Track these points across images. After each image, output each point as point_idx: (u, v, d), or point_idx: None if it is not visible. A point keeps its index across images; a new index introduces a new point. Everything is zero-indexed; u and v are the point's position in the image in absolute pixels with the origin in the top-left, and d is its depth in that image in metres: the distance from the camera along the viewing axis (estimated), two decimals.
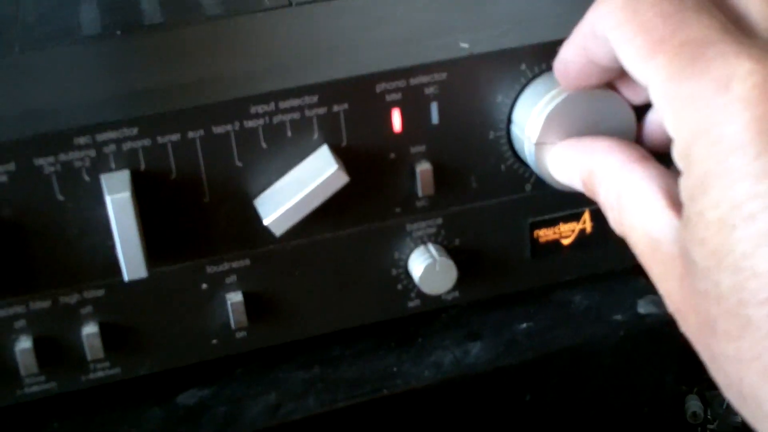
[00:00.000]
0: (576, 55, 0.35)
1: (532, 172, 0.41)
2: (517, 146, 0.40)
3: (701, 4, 0.30)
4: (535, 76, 0.39)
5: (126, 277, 0.37)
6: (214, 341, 0.41)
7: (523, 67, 0.39)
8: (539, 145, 0.38)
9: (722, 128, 0.27)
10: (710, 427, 0.61)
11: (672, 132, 0.29)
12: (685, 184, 0.29)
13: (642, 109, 0.38)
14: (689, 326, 0.30)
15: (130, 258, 0.36)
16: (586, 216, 0.44)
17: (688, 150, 0.28)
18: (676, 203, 0.30)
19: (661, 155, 0.35)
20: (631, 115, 0.39)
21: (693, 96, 0.28)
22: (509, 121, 0.40)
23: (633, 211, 0.32)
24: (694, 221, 0.28)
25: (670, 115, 0.29)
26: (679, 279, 0.29)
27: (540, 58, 0.39)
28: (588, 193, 0.36)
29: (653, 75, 0.29)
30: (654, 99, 0.30)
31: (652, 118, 0.38)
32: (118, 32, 0.45)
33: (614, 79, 0.37)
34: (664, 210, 0.31)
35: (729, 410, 0.61)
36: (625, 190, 0.33)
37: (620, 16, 0.31)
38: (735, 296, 0.27)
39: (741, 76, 0.27)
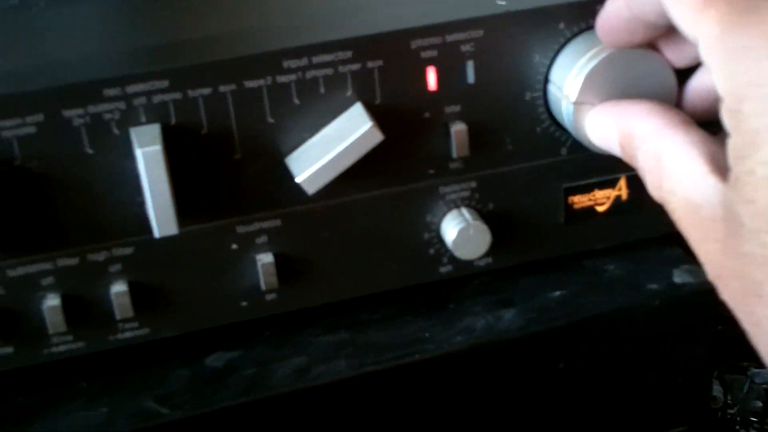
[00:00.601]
0: (621, 9, 0.34)
1: (567, 136, 0.41)
2: (553, 107, 0.40)
3: None
4: (574, 36, 0.38)
5: (156, 234, 0.36)
6: (244, 303, 0.40)
7: (562, 26, 0.38)
8: (578, 104, 0.37)
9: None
10: (730, 411, 0.60)
11: (721, 88, 0.28)
12: (734, 142, 0.28)
13: (683, 75, 0.37)
14: (731, 292, 0.29)
15: (160, 213, 0.36)
16: (622, 183, 0.43)
17: (740, 105, 0.27)
18: (719, 167, 0.30)
19: (702, 124, 0.34)
20: (672, 77, 0.38)
21: (747, 48, 0.27)
22: (546, 81, 0.39)
23: (674, 175, 0.31)
24: (744, 180, 0.27)
25: (721, 69, 0.28)
26: (723, 243, 0.29)
27: (579, 17, 0.38)
28: (625, 158, 0.35)
29: (705, 28, 0.28)
30: (704, 54, 0.29)
31: (694, 84, 0.37)
32: None
33: (657, 38, 0.36)
34: (708, 174, 0.30)
35: (749, 395, 0.60)
36: (665, 153, 0.32)
37: None
38: None
39: None
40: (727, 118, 0.28)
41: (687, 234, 0.31)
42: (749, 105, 0.27)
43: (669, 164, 0.32)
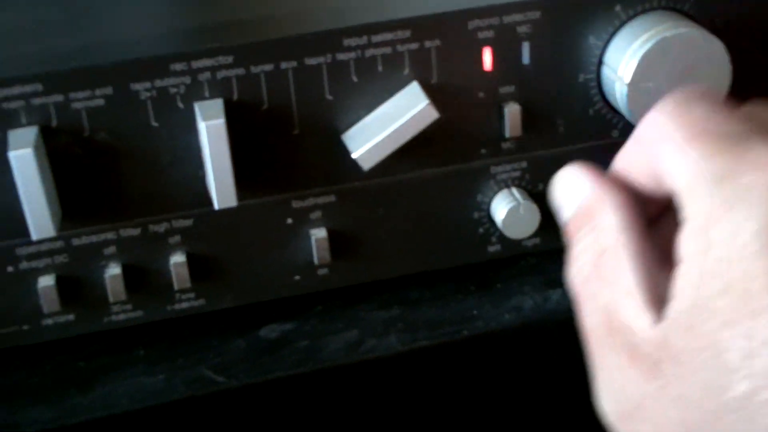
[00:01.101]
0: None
1: (620, 118, 0.41)
2: (606, 89, 0.40)
3: (740, 111, 0.30)
4: (629, 18, 0.39)
5: (216, 206, 0.37)
6: (297, 277, 0.41)
7: (618, 8, 0.39)
8: (632, 85, 0.38)
9: (748, 221, 0.26)
10: None
11: (689, 211, 0.27)
12: (689, 269, 0.27)
13: None
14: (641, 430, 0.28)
15: (221, 186, 0.36)
16: None
17: (706, 231, 0.27)
18: (658, 299, 0.28)
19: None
20: (727, 62, 0.38)
21: (722, 175, 0.27)
22: (600, 63, 0.40)
23: (607, 285, 0.29)
24: (693, 313, 0.26)
25: (696, 192, 0.27)
26: (644, 377, 0.27)
27: (635, 0, 0.39)
28: (568, 229, 0.33)
29: (687, 158, 0.28)
30: (676, 180, 0.28)
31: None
32: None
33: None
34: (647, 307, 0.28)
35: None
36: (614, 255, 0.30)
37: (670, 113, 0.29)
38: (725, 407, 0.25)
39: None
40: (689, 243, 0.27)
41: (594, 343, 0.30)
42: (715, 231, 0.26)
43: (609, 271, 0.30)
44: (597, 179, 0.32)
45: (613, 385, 0.28)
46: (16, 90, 0.35)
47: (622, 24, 0.39)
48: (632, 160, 0.31)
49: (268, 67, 0.37)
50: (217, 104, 0.36)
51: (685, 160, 0.28)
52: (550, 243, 0.44)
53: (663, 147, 0.29)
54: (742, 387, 0.25)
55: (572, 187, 0.33)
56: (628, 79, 0.38)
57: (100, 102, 0.36)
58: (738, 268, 0.25)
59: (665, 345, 0.27)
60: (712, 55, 0.38)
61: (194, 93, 0.37)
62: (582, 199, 0.32)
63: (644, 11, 0.39)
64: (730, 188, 0.27)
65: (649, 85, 0.38)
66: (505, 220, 0.41)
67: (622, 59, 0.38)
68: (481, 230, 0.42)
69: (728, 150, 0.27)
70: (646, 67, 0.38)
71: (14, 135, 0.35)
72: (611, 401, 0.29)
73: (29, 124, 0.36)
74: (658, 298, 0.28)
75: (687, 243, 0.27)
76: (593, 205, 0.32)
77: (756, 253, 0.25)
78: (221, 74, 0.36)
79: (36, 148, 0.35)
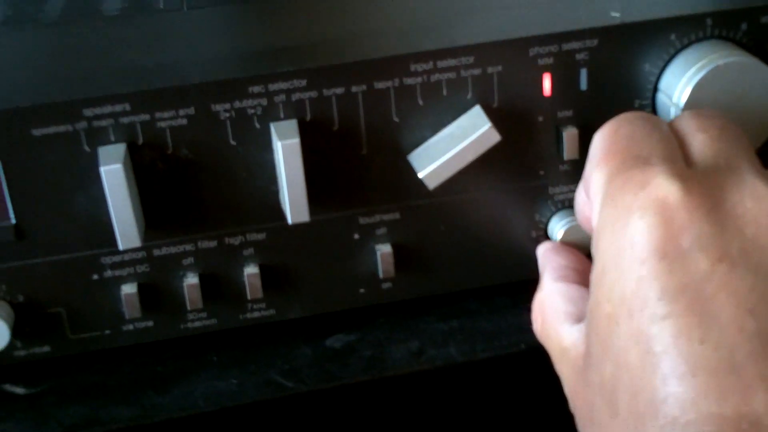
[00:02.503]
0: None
1: None
2: (661, 115, 0.41)
3: (663, 136, 0.33)
4: (684, 47, 0.41)
5: (290, 220, 0.39)
6: (362, 290, 0.43)
7: (673, 37, 0.40)
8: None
9: (626, 226, 0.30)
10: None
11: (593, 222, 0.33)
12: (591, 276, 0.32)
13: None
14: (577, 418, 0.33)
15: (294, 202, 0.39)
16: None
17: (598, 240, 0.32)
18: (581, 320, 0.35)
19: None
20: None
21: (615, 193, 0.31)
22: (655, 89, 0.41)
23: (550, 322, 0.36)
24: (593, 312, 0.31)
25: (597, 206, 0.32)
26: (579, 375, 0.33)
27: (690, 29, 0.40)
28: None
29: (598, 174, 0.33)
30: (592, 194, 0.33)
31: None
32: None
33: None
34: (574, 323, 0.35)
35: None
36: (547, 301, 0.38)
37: (601, 134, 0.34)
38: (611, 385, 0.29)
39: (654, 185, 0.30)
40: (592, 252, 0.32)
41: (560, 374, 0.35)
42: (603, 242, 0.31)
43: (549, 314, 0.37)
44: (542, 252, 0.42)
45: (568, 389, 0.34)
46: (106, 109, 0.38)
47: (677, 52, 0.41)
48: (585, 177, 0.36)
49: (340, 90, 0.39)
50: (292, 125, 0.39)
51: (597, 180, 0.33)
52: None
53: (590, 166, 0.34)
54: (625, 378, 0.29)
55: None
56: (682, 105, 0.39)
57: (183, 121, 0.39)
58: (615, 277, 0.30)
59: (583, 341, 0.33)
60: (764, 83, 0.40)
61: (270, 114, 0.39)
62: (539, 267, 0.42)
63: (698, 40, 0.41)
64: (612, 210, 0.31)
65: None
66: (562, 239, 0.43)
67: (677, 86, 0.40)
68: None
69: (626, 171, 0.32)
70: (699, 93, 0.39)
71: (104, 151, 0.38)
72: (569, 400, 0.34)
73: (117, 141, 0.38)
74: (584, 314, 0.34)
75: (592, 253, 0.33)
76: (540, 271, 0.41)
77: (628, 263, 0.30)
78: (295, 96, 0.39)
79: (124, 164, 0.37)
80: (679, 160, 0.32)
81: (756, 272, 0.28)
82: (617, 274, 0.30)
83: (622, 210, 0.30)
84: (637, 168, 0.31)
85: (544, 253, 0.42)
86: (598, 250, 0.31)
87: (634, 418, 0.28)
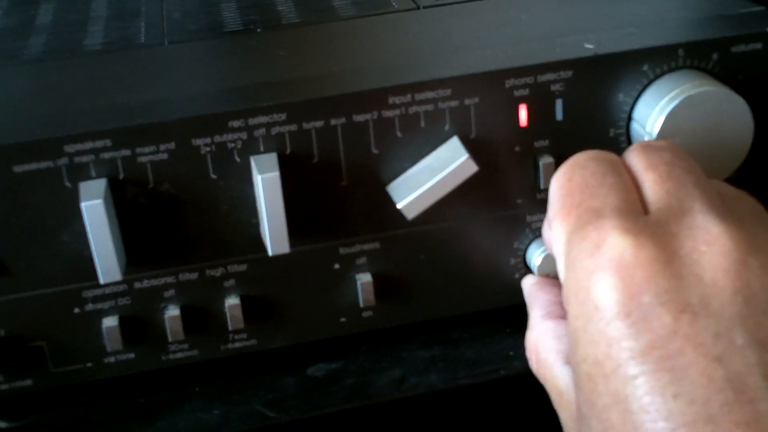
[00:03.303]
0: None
1: None
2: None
3: (616, 180, 0.34)
4: (657, 77, 0.41)
5: (270, 252, 0.39)
6: (343, 319, 0.44)
7: (646, 67, 0.41)
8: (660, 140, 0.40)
9: (588, 291, 0.30)
10: None
11: (562, 284, 0.33)
12: (568, 335, 0.32)
13: None
14: None
15: (275, 233, 0.39)
16: None
17: (567, 305, 0.32)
18: None
19: None
20: (749, 119, 0.41)
21: (575, 255, 0.32)
22: (629, 119, 0.42)
23: (544, 363, 0.37)
24: (575, 370, 0.32)
25: (562, 268, 0.33)
26: (574, 421, 0.33)
27: (662, 59, 0.41)
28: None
29: (558, 232, 0.33)
30: (556, 252, 0.34)
31: None
32: (259, 29, 0.48)
33: None
34: (566, 366, 0.35)
35: None
36: (539, 342, 0.37)
37: (556, 180, 0.35)
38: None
39: (608, 244, 0.30)
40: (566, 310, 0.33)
41: (558, 410, 0.35)
42: (571, 307, 0.32)
43: (542, 354, 0.37)
44: (529, 286, 0.42)
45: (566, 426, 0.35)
46: (87, 145, 0.38)
47: (650, 82, 0.41)
48: (547, 217, 0.37)
49: (319, 123, 0.40)
50: (272, 158, 0.39)
51: (556, 231, 0.34)
52: None
53: (550, 210, 0.35)
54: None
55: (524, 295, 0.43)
56: (656, 134, 0.40)
57: (164, 156, 0.39)
58: (586, 340, 0.30)
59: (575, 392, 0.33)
60: (735, 112, 0.40)
61: (250, 147, 0.39)
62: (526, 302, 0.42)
63: (671, 70, 0.41)
64: (575, 273, 0.31)
65: (676, 140, 0.40)
66: (540, 266, 0.43)
67: (650, 115, 0.41)
68: (517, 275, 0.44)
69: (581, 230, 0.32)
70: (672, 123, 0.40)
71: (85, 187, 0.38)
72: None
73: (99, 176, 0.39)
74: None
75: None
76: (528, 307, 0.40)
77: (594, 328, 0.30)
78: (275, 130, 0.39)
79: (105, 199, 0.38)
80: (633, 204, 0.32)
81: (718, 318, 0.29)
82: (588, 338, 0.30)
83: (582, 274, 0.31)
84: (591, 225, 0.32)
85: (529, 289, 0.42)
86: (569, 316, 0.31)
87: None
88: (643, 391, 0.28)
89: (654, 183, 0.33)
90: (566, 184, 0.34)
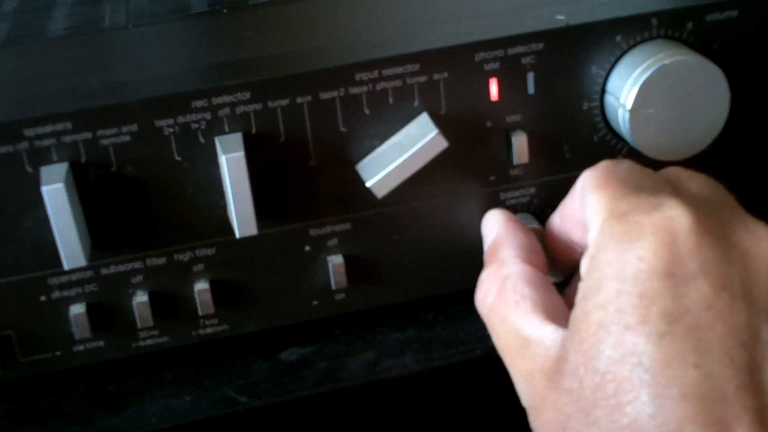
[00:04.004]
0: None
1: (623, 144, 0.42)
2: (610, 116, 0.41)
3: (656, 175, 0.35)
4: (630, 48, 0.40)
5: (238, 234, 0.39)
6: (315, 302, 0.43)
7: (619, 38, 0.40)
8: (634, 111, 0.39)
9: (635, 241, 0.31)
10: None
11: (591, 239, 0.33)
12: (583, 285, 0.32)
13: None
14: (541, 422, 0.32)
15: (242, 216, 0.38)
16: None
17: (598, 251, 0.32)
18: (556, 316, 0.34)
19: None
20: (726, 88, 0.40)
21: (624, 210, 0.32)
22: (603, 91, 0.41)
23: (512, 306, 0.35)
24: (580, 318, 0.31)
25: (597, 221, 0.33)
26: (547, 377, 0.32)
27: (635, 30, 0.40)
28: (485, 258, 0.40)
29: (599, 195, 0.33)
30: (589, 212, 0.34)
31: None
32: (225, 10, 0.47)
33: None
34: (545, 322, 0.34)
35: None
36: (509, 282, 0.36)
37: (598, 169, 0.35)
38: (592, 395, 0.30)
39: (667, 206, 0.31)
40: (585, 264, 0.33)
41: (509, 359, 0.35)
42: (604, 255, 0.31)
43: (510, 296, 0.35)
44: (505, 222, 0.40)
45: (525, 385, 0.34)
46: (48, 128, 0.37)
47: (623, 53, 0.41)
48: (567, 211, 0.38)
49: (285, 101, 0.39)
50: (237, 138, 0.38)
51: (598, 200, 0.33)
52: None
53: (587, 193, 0.35)
54: (609, 389, 0.29)
55: (488, 228, 0.41)
56: (629, 105, 0.39)
57: (126, 138, 0.38)
58: (614, 288, 0.30)
59: (562, 346, 0.32)
60: (711, 81, 0.40)
61: (215, 128, 0.38)
62: (492, 237, 0.40)
63: (644, 40, 0.41)
64: (621, 225, 0.32)
65: (650, 111, 0.40)
66: None
67: (624, 87, 0.40)
68: None
69: (633, 196, 0.33)
70: (646, 94, 0.39)
71: (46, 171, 0.37)
72: (525, 397, 0.34)
73: (60, 160, 0.38)
74: (556, 313, 0.34)
75: (583, 266, 0.33)
76: (498, 242, 0.39)
77: (632, 277, 0.30)
78: (240, 109, 0.38)
79: (67, 183, 0.37)
80: (682, 195, 0.33)
81: (751, 307, 0.29)
82: (619, 286, 0.30)
83: (633, 226, 0.31)
84: (646, 193, 0.32)
85: (504, 226, 0.40)
86: (598, 261, 0.31)
87: (622, 429, 0.28)
88: (665, 352, 0.28)
89: (699, 186, 0.35)
90: (610, 168, 0.35)
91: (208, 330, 0.42)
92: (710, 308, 0.29)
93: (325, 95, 0.39)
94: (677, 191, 0.34)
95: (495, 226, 0.40)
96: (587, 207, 0.34)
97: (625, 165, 0.35)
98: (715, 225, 0.32)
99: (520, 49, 0.40)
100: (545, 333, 0.33)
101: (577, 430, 0.30)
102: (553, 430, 0.31)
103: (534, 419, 0.33)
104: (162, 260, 0.41)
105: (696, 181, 0.35)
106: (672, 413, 0.28)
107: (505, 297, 0.35)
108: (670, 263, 0.30)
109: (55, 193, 0.37)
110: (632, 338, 0.29)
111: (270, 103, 0.39)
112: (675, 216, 0.31)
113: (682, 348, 0.28)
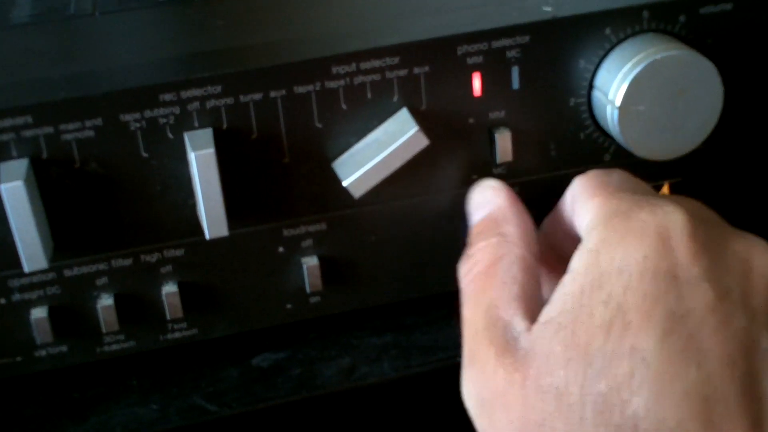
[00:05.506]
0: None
1: (611, 142, 0.41)
2: (597, 113, 0.40)
3: (651, 189, 0.36)
4: (619, 41, 0.39)
5: (207, 235, 0.37)
6: (289, 305, 0.41)
7: (608, 31, 0.39)
8: (624, 108, 0.38)
9: (639, 240, 0.31)
10: None
11: (588, 234, 0.32)
12: (576, 280, 0.31)
13: None
14: (501, 421, 0.31)
15: (211, 215, 0.37)
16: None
17: (600, 249, 0.31)
18: (533, 313, 0.33)
19: None
20: (718, 83, 0.38)
21: (627, 211, 0.32)
22: (591, 86, 0.40)
23: (498, 282, 0.34)
24: (570, 315, 0.30)
25: (599, 219, 0.32)
26: (509, 371, 0.31)
27: (625, 22, 0.39)
28: (476, 230, 0.38)
29: (599, 199, 0.33)
30: (590, 212, 0.33)
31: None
32: None
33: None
34: (524, 311, 0.33)
35: None
36: (511, 264, 0.35)
37: (589, 176, 0.35)
38: (580, 393, 0.29)
39: (671, 210, 0.31)
40: (581, 259, 0.32)
41: (469, 331, 0.34)
42: (608, 249, 0.31)
43: (502, 273, 0.34)
44: (511, 196, 0.38)
45: (480, 374, 0.32)
46: (7, 122, 0.35)
47: (612, 47, 0.39)
48: (556, 224, 0.37)
49: (257, 96, 0.37)
50: (207, 134, 0.37)
51: (592, 204, 0.33)
52: None
53: (580, 200, 0.34)
54: (601, 386, 0.29)
55: (488, 197, 0.39)
56: (619, 102, 0.38)
57: (90, 133, 0.36)
58: (618, 284, 0.30)
59: (536, 342, 0.31)
60: (704, 76, 0.38)
61: (184, 123, 0.37)
62: (494, 207, 0.38)
63: (634, 34, 0.39)
64: (625, 222, 0.31)
65: (641, 108, 0.38)
66: None
67: (613, 83, 0.38)
68: None
69: (629, 199, 0.33)
70: (637, 90, 0.38)
71: (5, 167, 0.36)
72: (476, 387, 0.32)
73: (20, 156, 0.36)
74: (536, 308, 0.33)
75: (576, 260, 0.32)
76: (502, 215, 0.37)
77: (638, 275, 0.30)
78: (210, 104, 0.37)
79: (27, 181, 0.35)
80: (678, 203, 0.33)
81: (751, 316, 0.30)
82: (621, 284, 0.30)
83: (637, 224, 0.31)
84: (648, 196, 0.32)
85: (509, 197, 0.38)
86: (599, 256, 0.31)
87: (607, 427, 0.28)
88: (670, 351, 0.28)
89: (691, 204, 0.34)
90: (606, 174, 0.35)
91: (177, 334, 0.40)
92: (713, 312, 0.29)
93: (300, 89, 0.37)
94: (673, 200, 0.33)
95: (497, 197, 0.38)
96: (581, 213, 0.34)
97: (616, 173, 0.35)
98: (714, 234, 0.31)
99: (505, 42, 0.38)
100: (520, 322, 0.32)
101: (557, 428, 0.29)
102: (525, 428, 0.30)
103: (487, 416, 0.31)
104: (128, 261, 0.39)
105: (684, 197, 0.35)
106: (673, 410, 0.28)
107: (494, 272, 0.34)
108: (674, 265, 0.30)
109: (14, 191, 0.35)
110: (635, 335, 0.29)
111: (242, 98, 0.37)
112: (675, 220, 0.31)
113: (686, 347, 0.28)
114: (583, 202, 0.34)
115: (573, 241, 0.34)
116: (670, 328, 0.29)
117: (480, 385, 0.32)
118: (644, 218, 0.31)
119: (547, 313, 0.31)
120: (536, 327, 0.31)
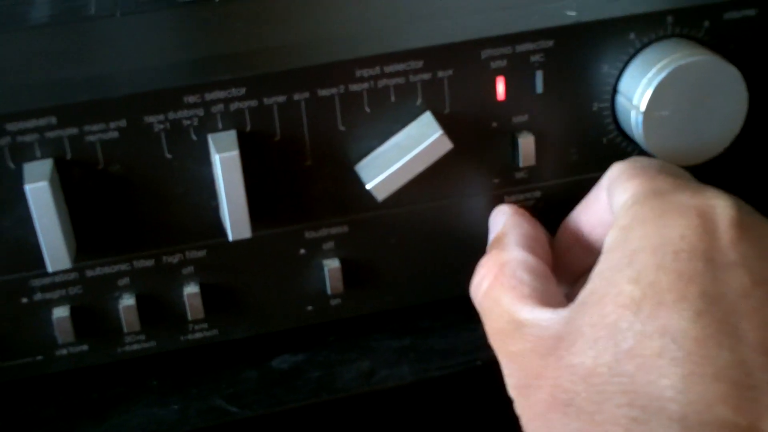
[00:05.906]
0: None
1: (635, 146, 0.41)
2: (621, 118, 0.40)
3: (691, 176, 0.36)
4: (644, 46, 0.39)
5: (230, 237, 0.37)
6: (310, 307, 0.41)
7: (632, 36, 0.39)
8: (648, 113, 0.38)
9: (676, 220, 0.30)
10: None
11: (623, 212, 0.33)
12: (607, 257, 0.31)
13: None
14: (536, 400, 0.31)
15: (235, 217, 0.37)
16: None
17: (632, 227, 0.31)
18: (550, 304, 0.33)
19: None
20: (743, 89, 0.38)
21: (665, 192, 0.32)
22: (615, 91, 0.40)
23: (507, 288, 0.35)
24: (599, 293, 0.30)
25: (635, 199, 0.33)
26: (541, 355, 0.31)
27: (650, 27, 0.38)
28: (488, 249, 0.38)
29: (637, 181, 0.33)
30: (626, 193, 0.33)
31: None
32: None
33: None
34: (540, 306, 0.33)
35: None
36: (508, 267, 0.35)
37: (626, 162, 0.35)
38: (608, 372, 0.28)
39: (713, 195, 0.31)
40: (613, 236, 0.32)
41: (498, 342, 0.34)
42: (642, 229, 0.31)
43: (508, 281, 0.35)
44: (513, 214, 0.40)
45: (515, 366, 0.32)
46: (31, 123, 0.35)
47: (637, 52, 0.39)
48: (589, 209, 0.37)
49: (281, 98, 0.37)
50: (231, 136, 0.37)
51: (630, 184, 0.33)
52: None
53: (618, 182, 0.34)
54: (629, 366, 0.28)
55: (497, 221, 0.40)
56: (643, 107, 0.38)
57: (114, 134, 0.36)
58: (652, 262, 0.30)
59: (568, 323, 0.31)
60: (728, 82, 0.38)
61: (208, 125, 0.37)
62: (498, 227, 0.39)
63: (659, 39, 0.39)
64: (663, 202, 0.31)
65: (665, 114, 0.38)
66: None
67: (637, 88, 0.38)
68: None
69: (671, 181, 0.32)
70: (661, 95, 0.38)
71: (29, 168, 0.36)
72: (514, 379, 0.32)
73: (44, 156, 0.36)
74: (553, 302, 0.34)
75: (610, 238, 0.32)
76: (503, 231, 0.39)
77: (673, 253, 0.30)
78: (234, 106, 0.37)
79: (51, 181, 0.35)
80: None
81: None
82: (654, 261, 0.29)
83: (675, 205, 0.31)
84: (688, 181, 0.32)
85: (512, 215, 0.39)
86: (632, 233, 0.31)
87: (633, 408, 0.27)
88: (702, 331, 0.28)
89: (728, 197, 0.33)
90: (639, 163, 0.34)
91: (197, 335, 0.41)
92: (748, 298, 0.29)
93: (323, 92, 0.37)
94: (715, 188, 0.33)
95: (502, 218, 0.39)
96: (617, 194, 0.33)
97: (657, 160, 0.35)
98: (754, 222, 0.31)
99: (529, 46, 0.38)
100: (541, 315, 0.32)
101: (584, 408, 0.28)
102: (553, 408, 0.30)
103: (525, 399, 0.32)
104: (150, 262, 0.39)
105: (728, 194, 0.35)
106: (702, 393, 0.27)
107: (501, 281, 0.35)
108: (711, 248, 0.30)
109: (38, 192, 0.35)
110: (667, 314, 0.28)
111: (266, 100, 0.37)
112: (718, 205, 0.31)
113: (719, 330, 0.28)
114: (620, 183, 0.34)
115: (605, 227, 0.34)
116: (703, 309, 0.28)
117: (518, 375, 0.32)
118: (685, 199, 0.31)
119: (580, 295, 0.31)
120: (568, 310, 0.31)
